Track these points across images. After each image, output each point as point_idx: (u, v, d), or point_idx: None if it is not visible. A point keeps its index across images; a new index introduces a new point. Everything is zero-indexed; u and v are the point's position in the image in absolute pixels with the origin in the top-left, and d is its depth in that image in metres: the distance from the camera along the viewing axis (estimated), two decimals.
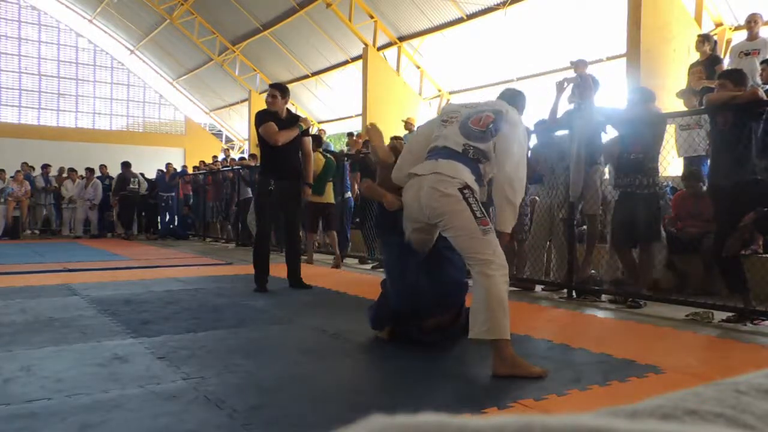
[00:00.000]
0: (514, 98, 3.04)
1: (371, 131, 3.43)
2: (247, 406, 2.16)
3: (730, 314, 3.90)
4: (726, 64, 6.57)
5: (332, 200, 7.52)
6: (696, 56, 6.70)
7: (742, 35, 7.04)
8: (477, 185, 2.75)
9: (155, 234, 13.27)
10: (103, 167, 13.82)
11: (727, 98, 3.90)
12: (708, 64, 6.29)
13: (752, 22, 6.40)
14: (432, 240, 3.03)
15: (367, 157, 7.68)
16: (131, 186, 12.92)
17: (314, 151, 9.02)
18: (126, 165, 13.11)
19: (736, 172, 3.83)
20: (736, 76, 4.04)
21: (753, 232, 3.94)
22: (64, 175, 13.76)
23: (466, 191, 2.67)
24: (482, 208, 2.69)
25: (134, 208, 13.08)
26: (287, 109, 5.23)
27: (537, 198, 5.62)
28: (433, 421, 0.27)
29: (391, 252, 3.27)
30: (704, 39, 6.53)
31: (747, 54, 6.36)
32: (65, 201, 13.13)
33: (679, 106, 6.29)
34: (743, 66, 5.67)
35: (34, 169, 13.61)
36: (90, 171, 13.16)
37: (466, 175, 2.71)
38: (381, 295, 3.39)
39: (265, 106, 5.17)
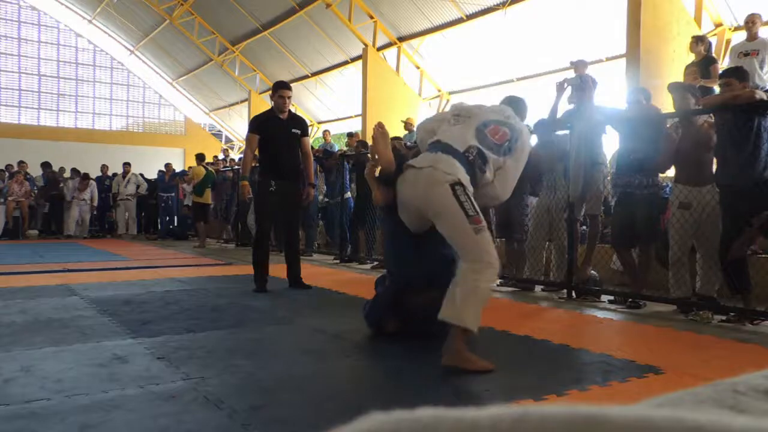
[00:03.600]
0: (519, 107, 3.22)
1: (378, 137, 3.12)
2: (246, 406, 2.16)
3: (731, 314, 3.90)
4: (726, 64, 6.56)
5: (209, 201, 10.81)
6: None
7: (742, 36, 7.03)
8: (471, 186, 2.74)
9: (155, 234, 13.27)
10: (104, 167, 13.82)
11: (727, 99, 3.89)
12: (703, 64, 6.29)
13: (751, 22, 6.39)
14: (426, 226, 2.98)
15: (362, 156, 7.68)
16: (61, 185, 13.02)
17: (197, 165, 10.46)
18: (46, 165, 13.18)
19: (745, 172, 3.80)
20: (739, 74, 4.03)
21: (758, 233, 3.91)
22: (66, 175, 13.73)
23: (458, 188, 2.65)
24: (475, 207, 2.67)
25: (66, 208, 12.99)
26: (289, 110, 5.28)
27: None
28: (429, 415, 0.27)
29: (388, 226, 3.35)
30: (698, 40, 6.52)
31: (746, 54, 6.35)
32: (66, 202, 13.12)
33: None
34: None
35: (13, 166, 13.14)
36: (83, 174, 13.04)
37: (461, 174, 2.71)
38: (375, 296, 3.42)
39: (265, 107, 5.19)
